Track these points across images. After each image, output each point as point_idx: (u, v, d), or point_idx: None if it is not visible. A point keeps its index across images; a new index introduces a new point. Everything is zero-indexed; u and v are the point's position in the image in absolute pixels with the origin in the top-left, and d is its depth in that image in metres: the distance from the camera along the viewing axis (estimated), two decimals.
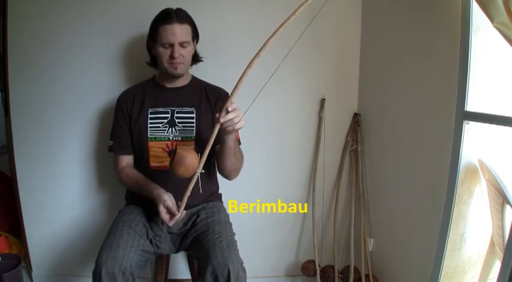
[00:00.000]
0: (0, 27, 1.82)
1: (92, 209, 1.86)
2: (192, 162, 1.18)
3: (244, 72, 1.14)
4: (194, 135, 1.47)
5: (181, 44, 1.40)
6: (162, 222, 1.31)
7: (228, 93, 1.55)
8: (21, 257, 1.81)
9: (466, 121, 1.32)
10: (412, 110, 1.62)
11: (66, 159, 1.81)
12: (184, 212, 1.29)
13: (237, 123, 1.18)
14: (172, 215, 1.28)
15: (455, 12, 1.33)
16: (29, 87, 1.75)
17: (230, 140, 1.32)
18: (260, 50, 1.13)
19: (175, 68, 1.43)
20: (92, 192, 1.85)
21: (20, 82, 1.74)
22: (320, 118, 1.91)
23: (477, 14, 1.26)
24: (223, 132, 1.24)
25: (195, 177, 1.20)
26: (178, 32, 1.38)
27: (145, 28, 1.77)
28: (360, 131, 1.93)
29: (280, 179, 1.95)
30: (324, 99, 1.90)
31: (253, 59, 1.13)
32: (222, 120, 1.14)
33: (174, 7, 1.44)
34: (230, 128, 1.19)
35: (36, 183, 1.81)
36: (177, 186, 1.33)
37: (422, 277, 1.52)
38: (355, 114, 1.95)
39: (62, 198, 1.84)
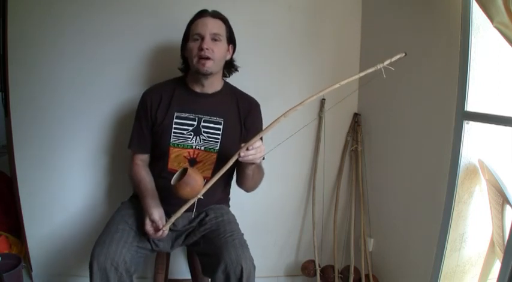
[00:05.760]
0: (0, 27, 1.82)
1: (92, 209, 1.86)
2: (199, 186, 1.18)
3: (276, 119, 1.17)
4: (218, 148, 1.43)
5: (213, 38, 1.37)
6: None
7: (259, 104, 1.54)
8: (21, 257, 1.81)
9: (466, 121, 1.33)
10: (412, 110, 1.62)
11: (67, 159, 1.81)
12: (167, 231, 1.29)
13: (256, 159, 1.21)
14: (155, 229, 1.28)
15: (455, 12, 1.33)
16: (29, 87, 1.74)
17: (249, 169, 1.33)
18: (298, 104, 1.18)
19: (203, 64, 1.35)
20: (92, 192, 1.85)
21: (20, 82, 1.74)
22: (320, 118, 1.91)
23: (477, 14, 1.26)
24: (243, 162, 1.25)
25: (192, 201, 1.20)
26: (210, 23, 1.37)
27: (144, 28, 1.77)
28: (360, 131, 1.93)
29: (280, 179, 1.95)
30: (324, 99, 1.89)
31: (289, 110, 1.17)
32: (242, 154, 1.17)
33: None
34: (248, 161, 1.21)
35: (36, 183, 1.81)
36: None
37: (422, 277, 1.52)
38: (355, 114, 1.95)
39: (62, 198, 1.83)
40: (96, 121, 1.79)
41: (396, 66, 1.71)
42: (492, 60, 1.31)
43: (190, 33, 1.40)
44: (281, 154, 1.92)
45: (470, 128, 1.33)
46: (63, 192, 1.83)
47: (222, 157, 1.40)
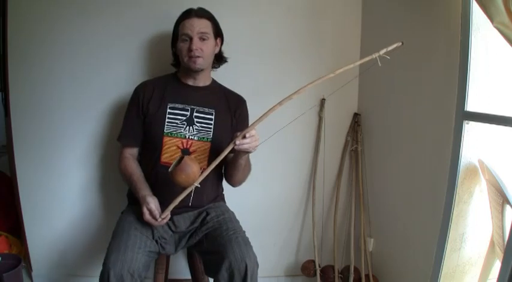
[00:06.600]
0: (0, 27, 1.82)
1: (92, 209, 1.86)
2: (194, 174, 1.19)
3: (272, 107, 1.18)
4: (211, 137, 1.46)
5: (201, 38, 1.41)
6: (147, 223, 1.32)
7: (245, 100, 1.58)
8: (21, 257, 1.80)
9: (466, 121, 1.33)
10: (412, 109, 1.62)
11: (66, 159, 1.81)
12: (169, 216, 1.31)
13: (251, 147, 1.23)
14: (153, 218, 1.29)
15: (455, 12, 1.33)
16: (29, 87, 1.74)
17: (242, 159, 1.35)
18: (293, 93, 1.19)
19: (194, 62, 1.41)
20: (92, 192, 1.85)
21: (20, 82, 1.74)
22: (320, 118, 1.91)
23: (477, 14, 1.26)
24: (236, 151, 1.27)
25: (189, 190, 1.21)
26: (196, 24, 1.40)
27: (144, 27, 1.77)
28: (360, 131, 1.93)
29: (280, 179, 1.95)
30: (324, 99, 1.89)
31: (284, 99, 1.19)
32: (238, 142, 1.19)
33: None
34: (243, 149, 1.23)
35: (36, 183, 1.81)
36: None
37: (422, 277, 1.52)
38: (355, 114, 1.95)
39: (62, 198, 1.83)
40: (96, 120, 1.79)
41: (396, 66, 1.71)
42: (492, 60, 1.31)
43: (179, 33, 1.44)
44: (281, 154, 1.93)
45: (470, 128, 1.33)
46: (63, 192, 1.83)
47: (216, 147, 1.43)
